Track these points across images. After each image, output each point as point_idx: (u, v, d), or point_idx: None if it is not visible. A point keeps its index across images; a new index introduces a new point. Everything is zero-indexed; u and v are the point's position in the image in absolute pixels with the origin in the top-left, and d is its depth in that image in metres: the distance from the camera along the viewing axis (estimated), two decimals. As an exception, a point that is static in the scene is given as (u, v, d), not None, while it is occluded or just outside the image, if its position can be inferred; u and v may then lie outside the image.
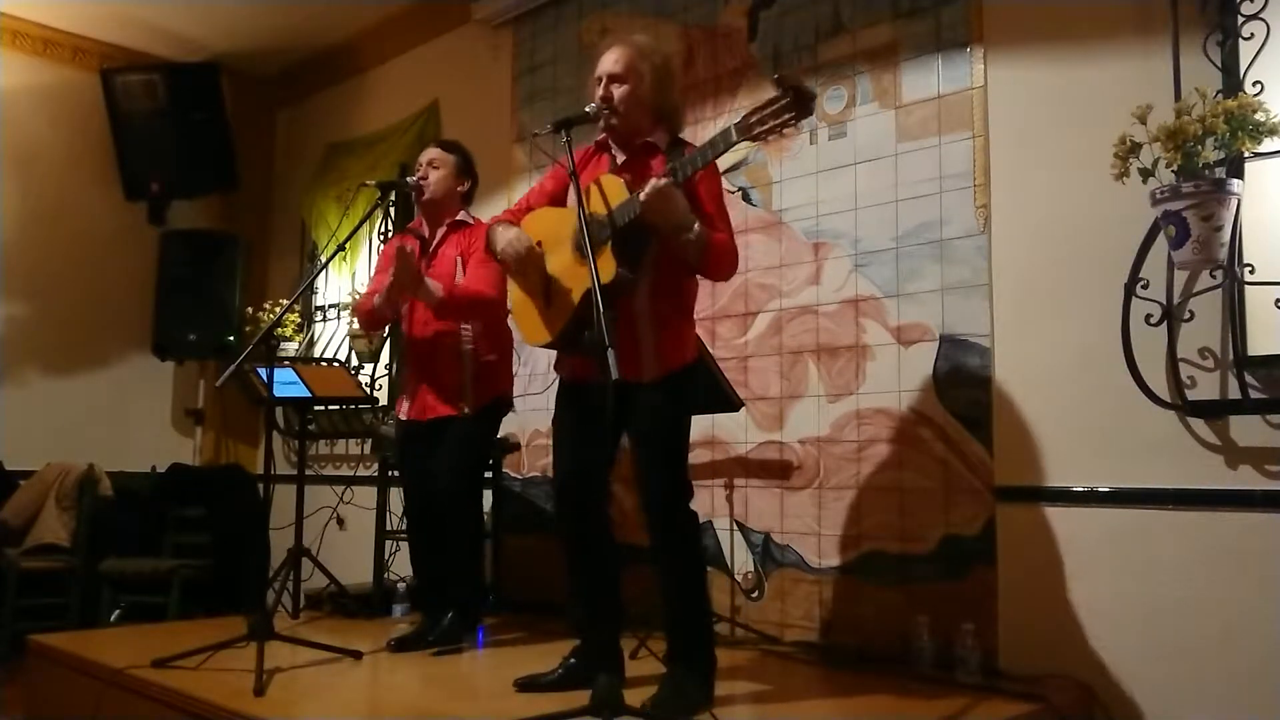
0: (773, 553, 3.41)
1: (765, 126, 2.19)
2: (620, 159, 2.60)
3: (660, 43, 2.94)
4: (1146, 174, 2.44)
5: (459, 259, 3.30)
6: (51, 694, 3.12)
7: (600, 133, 2.64)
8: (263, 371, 3.70)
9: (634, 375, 2.42)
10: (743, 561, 3.49)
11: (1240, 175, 2.49)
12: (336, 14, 5.22)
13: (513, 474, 4.30)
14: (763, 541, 3.44)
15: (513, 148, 4.53)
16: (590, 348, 2.21)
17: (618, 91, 2.52)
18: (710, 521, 3.51)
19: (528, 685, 2.57)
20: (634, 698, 2.22)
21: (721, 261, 2.47)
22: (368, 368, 5.03)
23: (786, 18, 3.60)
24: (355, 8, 5.14)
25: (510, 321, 3.13)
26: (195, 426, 5.85)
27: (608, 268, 2.34)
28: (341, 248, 3.30)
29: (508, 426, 4.01)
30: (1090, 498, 2.78)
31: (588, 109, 2.54)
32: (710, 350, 3.43)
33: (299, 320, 5.55)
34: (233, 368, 2.98)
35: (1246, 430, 2.55)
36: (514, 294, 2.65)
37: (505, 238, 2.56)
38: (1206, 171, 2.37)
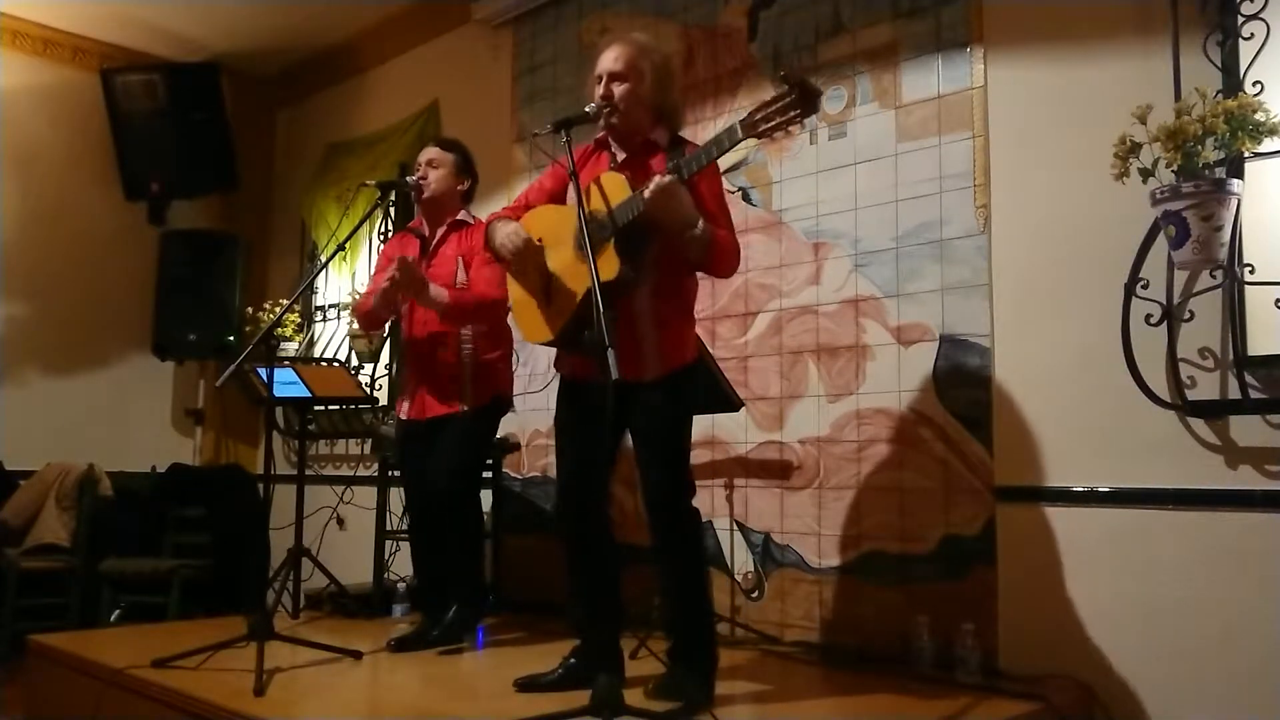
0: (773, 553, 3.41)
1: (771, 124, 2.19)
2: (620, 157, 2.59)
3: (660, 42, 2.94)
4: (1146, 174, 2.44)
5: (460, 259, 3.30)
6: (51, 694, 3.12)
7: (600, 131, 2.63)
8: (263, 371, 3.70)
9: (635, 374, 2.42)
10: (743, 561, 3.49)
11: (1240, 175, 2.49)
12: (336, 14, 5.22)
13: (513, 474, 4.30)
14: (763, 541, 3.44)
15: (513, 148, 4.53)
16: (590, 347, 2.21)
17: (618, 89, 2.52)
18: (710, 521, 3.51)
19: (528, 685, 2.57)
20: (634, 698, 2.22)
21: (725, 259, 2.47)
22: (368, 368, 5.03)
23: (786, 18, 3.60)
24: (355, 8, 5.14)
25: (510, 320, 3.13)
26: (195, 426, 5.85)
27: (611, 266, 2.34)
28: (341, 248, 3.30)
29: (508, 426, 4.01)
30: (1090, 498, 2.78)
31: (587, 109, 2.54)
32: (710, 350, 3.43)
33: (299, 320, 5.55)
34: (233, 368, 2.98)
35: (1246, 430, 2.55)
36: (514, 292, 2.65)
37: (503, 232, 2.56)
38: (1206, 171, 2.37)
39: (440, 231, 3.38)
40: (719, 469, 3.57)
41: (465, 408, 3.26)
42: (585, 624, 2.63)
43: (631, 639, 2.58)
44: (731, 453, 3.56)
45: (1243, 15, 2.56)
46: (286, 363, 4.37)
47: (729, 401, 3.27)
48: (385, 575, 3.98)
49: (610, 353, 1.98)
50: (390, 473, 3.98)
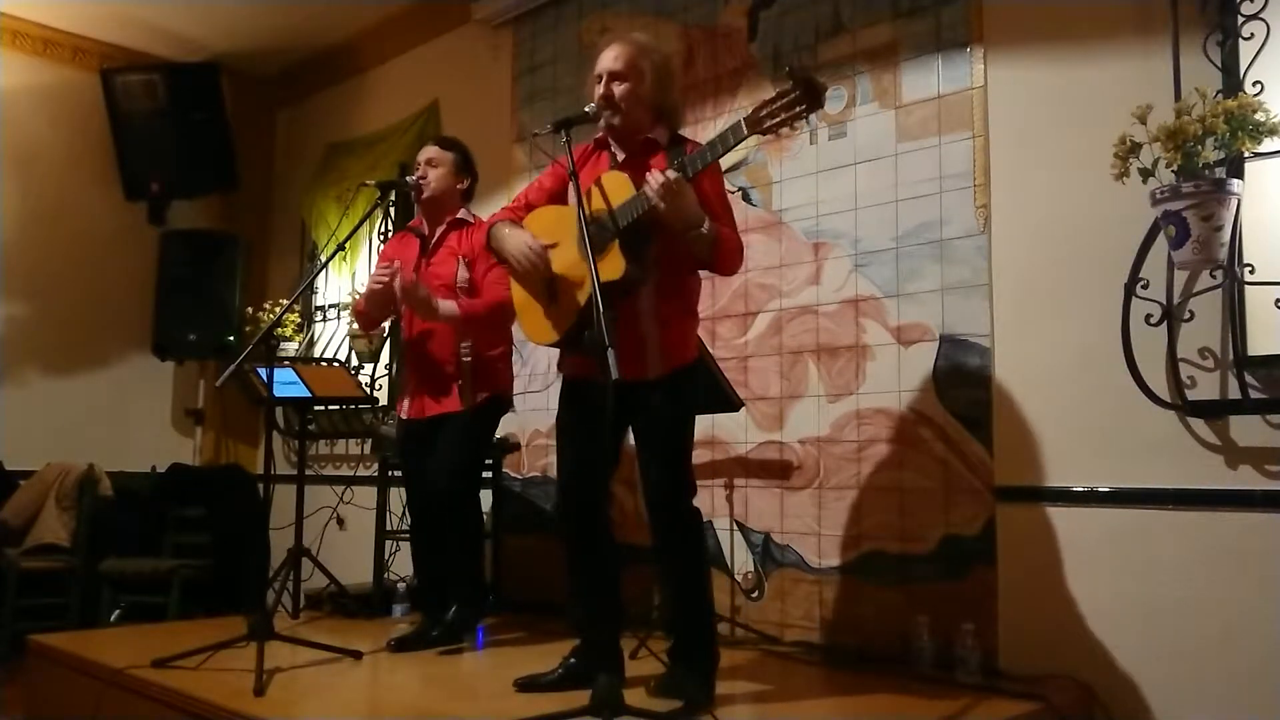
0: (773, 553, 3.41)
1: (776, 119, 2.19)
2: (620, 157, 2.59)
3: (660, 42, 2.94)
4: (1146, 174, 2.44)
5: (460, 258, 3.30)
6: (51, 694, 3.12)
7: (600, 131, 2.63)
8: (263, 371, 3.70)
9: (639, 373, 2.42)
10: (743, 561, 3.49)
11: (1240, 175, 2.49)
12: (336, 14, 5.22)
13: (513, 474, 4.30)
14: (763, 541, 3.44)
15: (513, 148, 4.53)
16: (591, 347, 2.21)
17: (618, 89, 2.52)
18: (710, 521, 3.50)
19: (528, 685, 2.57)
20: (634, 698, 2.22)
21: (730, 257, 2.48)
22: (368, 368, 5.03)
23: (786, 17, 3.60)
24: (355, 8, 5.14)
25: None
26: (195, 426, 5.85)
27: (617, 266, 2.34)
28: (341, 248, 3.31)
29: (508, 426, 4.01)
30: (1090, 498, 2.78)
31: (587, 109, 2.54)
32: (710, 350, 3.43)
33: (299, 320, 5.55)
34: (233, 368, 2.99)
35: (1246, 430, 2.55)
36: (517, 293, 2.64)
37: (518, 246, 2.51)
38: (1206, 171, 2.37)
39: (440, 230, 3.38)
40: (719, 469, 3.57)
41: (465, 407, 3.26)
42: (585, 624, 2.63)
43: (631, 639, 2.58)
44: (731, 453, 3.56)
45: (1243, 15, 2.56)
46: (286, 363, 4.37)
47: (729, 401, 3.26)
48: (385, 575, 3.98)
49: (610, 352, 1.98)
50: (390, 473, 3.98)
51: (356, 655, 2.96)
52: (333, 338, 5.45)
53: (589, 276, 2.21)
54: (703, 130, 3.65)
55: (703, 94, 3.81)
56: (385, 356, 4.97)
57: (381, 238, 5.10)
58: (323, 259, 4.01)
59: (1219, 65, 2.58)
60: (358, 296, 4.24)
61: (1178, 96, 2.56)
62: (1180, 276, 2.63)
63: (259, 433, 5.89)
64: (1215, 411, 2.59)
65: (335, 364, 4.69)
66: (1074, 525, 2.81)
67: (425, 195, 3.35)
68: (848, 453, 3.26)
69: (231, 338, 5.49)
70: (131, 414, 5.61)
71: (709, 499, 3.54)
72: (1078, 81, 2.89)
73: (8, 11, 5.22)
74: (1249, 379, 2.51)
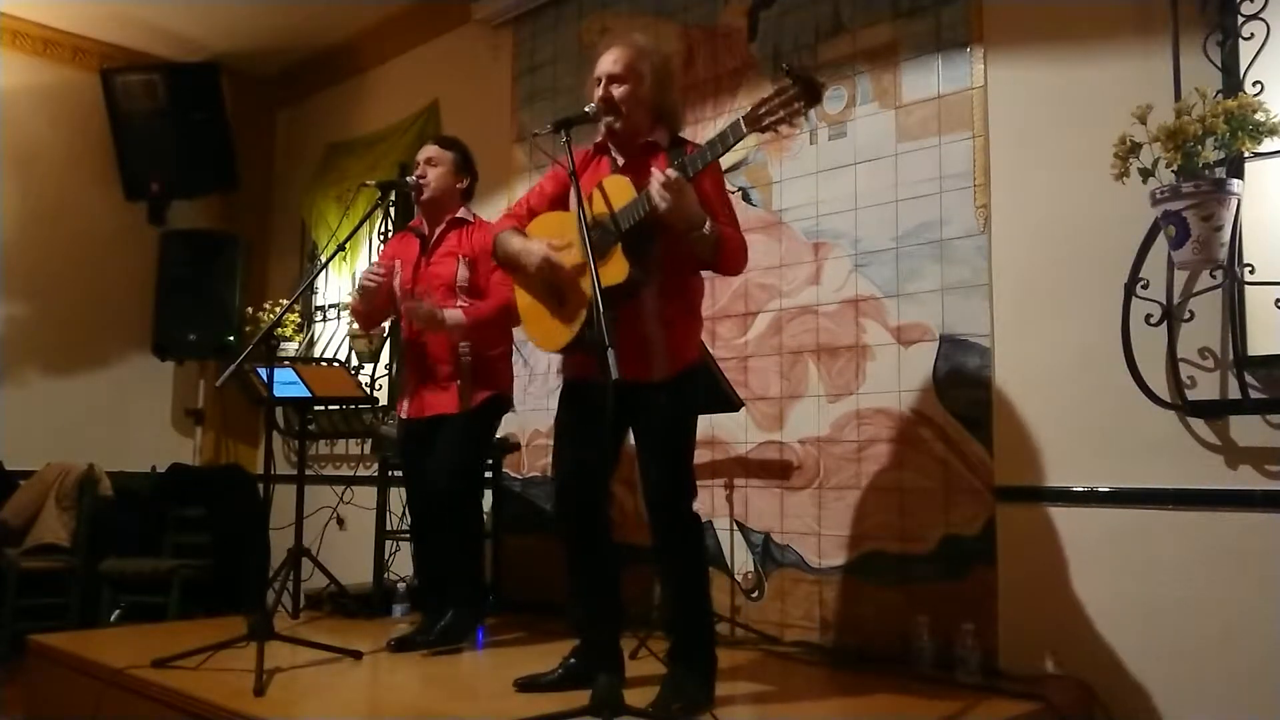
0: (773, 553, 3.41)
1: (775, 117, 2.19)
2: (620, 162, 2.59)
3: (660, 43, 2.94)
4: (1146, 174, 2.44)
5: (460, 258, 3.30)
6: (51, 694, 3.12)
7: (599, 135, 2.63)
8: (263, 371, 3.70)
9: (642, 374, 2.42)
10: (743, 561, 3.49)
11: (1240, 175, 2.49)
12: (336, 14, 5.22)
13: (513, 474, 4.30)
14: (763, 541, 3.44)
15: (513, 148, 4.53)
16: (591, 347, 2.21)
17: (618, 91, 2.52)
18: (710, 521, 3.51)
19: (528, 685, 2.57)
20: (634, 698, 2.22)
21: (734, 256, 2.47)
22: (368, 368, 5.03)
23: (786, 17, 3.60)
24: (355, 8, 5.14)
25: (520, 329, 3.11)
26: (195, 426, 5.85)
27: (621, 268, 2.34)
28: (341, 248, 3.30)
29: (508, 426, 4.01)
30: (1090, 498, 2.78)
31: (587, 109, 2.53)
32: (710, 350, 3.43)
33: (299, 320, 5.55)
34: (233, 368, 2.98)
35: (1246, 430, 2.55)
36: (522, 299, 2.63)
37: (534, 257, 2.50)
38: (1206, 171, 2.37)
39: (440, 230, 3.38)
40: (719, 469, 3.57)
41: (465, 407, 3.26)
42: (585, 624, 2.63)
43: (631, 639, 2.59)
44: (731, 453, 3.56)
45: (1243, 15, 2.56)
46: (286, 363, 4.37)
47: (729, 402, 3.27)
48: (385, 575, 3.98)
49: (610, 352, 1.98)
50: (390, 473, 3.98)
51: (356, 655, 2.96)
52: (333, 338, 5.45)
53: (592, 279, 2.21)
54: (703, 130, 3.65)
55: (703, 94, 3.81)
56: (385, 356, 4.98)
57: (381, 238, 5.10)
58: (323, 259, 4.01)
59: (1219, 65, 2.59)
60: (355, 296, 4.25)
61: (1178, 96, 2.56)
62: (1180, 276, 2.63)
63: (259, 433, 5.89)
64: (1215, 411, 2.59)
65: (335, 364, 4.69)
66: (1074, 525, 2.81)
67: (425, 195, 3.35)
68: (848, 453, 3.26)
69: (231, 338, 5.49)
70: (131, 414, 5.61)
71: (709, 499, 3.54)
72: (1078, 81, 2.89)
73: (8, 11, 5.22)
74: (1249, 379, 2.51)
